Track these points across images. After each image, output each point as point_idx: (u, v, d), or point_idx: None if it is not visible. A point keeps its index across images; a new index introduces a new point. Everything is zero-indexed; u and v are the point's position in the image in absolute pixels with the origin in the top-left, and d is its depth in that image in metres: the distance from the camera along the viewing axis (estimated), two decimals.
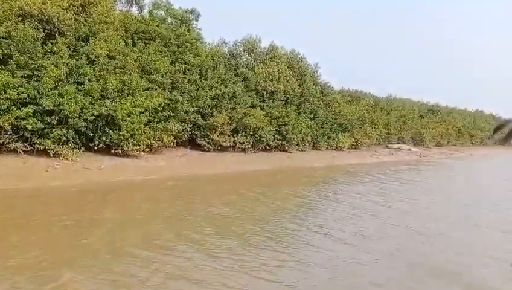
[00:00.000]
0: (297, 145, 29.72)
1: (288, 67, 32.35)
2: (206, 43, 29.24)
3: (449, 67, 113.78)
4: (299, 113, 30.17)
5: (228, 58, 28.55)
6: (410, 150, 40.57)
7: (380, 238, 10.85)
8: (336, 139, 33.61)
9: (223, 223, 11.32)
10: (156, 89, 20.92)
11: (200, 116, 23.87)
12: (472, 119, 63.71)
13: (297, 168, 24.24)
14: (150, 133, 20.10)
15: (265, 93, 27.26)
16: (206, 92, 24.19)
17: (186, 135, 23.49)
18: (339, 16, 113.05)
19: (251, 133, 25.33)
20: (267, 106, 27.00)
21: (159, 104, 20.45)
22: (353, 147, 35.88)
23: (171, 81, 22.23)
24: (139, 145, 19.46)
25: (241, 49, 29.86)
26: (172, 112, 21.64)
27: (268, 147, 26.89)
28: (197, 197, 14.68)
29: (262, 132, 25.56)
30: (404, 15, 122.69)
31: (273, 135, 26.90)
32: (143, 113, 19.81)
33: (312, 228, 11.41)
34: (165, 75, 21.91)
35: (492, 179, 25.42)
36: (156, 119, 20.78)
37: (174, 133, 21.53)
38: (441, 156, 40.23)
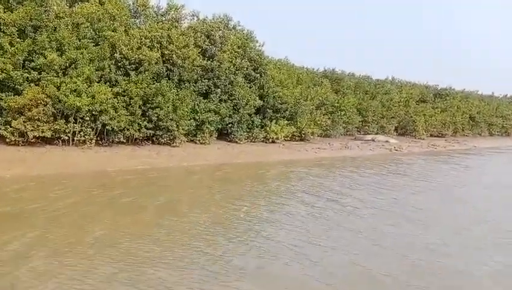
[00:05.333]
0: (194, 136, 20.39)
1: (205, 35, 23.10)
2: None
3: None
4: (200, 93, 20.74)
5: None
6: (387, 141, 29.57)
7: None
8: (267, 129, 23.73)
9: None
10: None
11: (8, 94, 15.39)
12: (495, 106, 49.98)
13: (132, 171, 14.92)
14: None
15: (127, 63, 18.07)
16: (17, 59, 15.60)
17: None
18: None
19: (88, 118, 16.40)
20: (128, 80, 17.81)
21: None
22: (298, 138, 25.75)
23: None
24: None
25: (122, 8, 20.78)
26: None
27: (123, 140, 17.75)
28: None
29: (107, 117, 16.51)
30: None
31: (138, 122, 17.77)
32: None
33: None
34: None
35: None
36: None
37: None
38: (425, 149, 28.80)
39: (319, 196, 12.17)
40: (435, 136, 38.01)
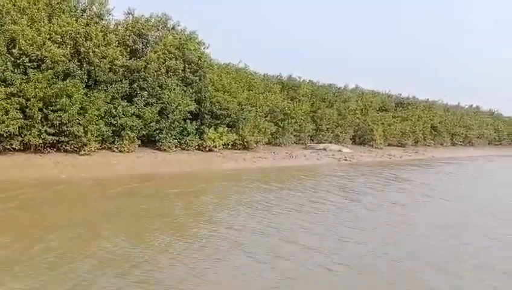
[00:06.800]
0: (112, 143, 18.08)
1: (136, 34, 21.08)
2: None
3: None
4: (124, 96, 18.48)
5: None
6: (340, 151, 27.82)
7: None
8: (204, 136, 21.61)
9: None
10: None
11: None
12: (459, 116, 49.20)
13: None
14: None
15: (27, 60, 15.72)
16: None
17: None
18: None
19: None
20: (26, 80, 15.43)
21: None
22: (240, 146, 23.70)
23: None
24: None
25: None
26: None
27: (15, 146, 15.25)
28: None
29: None
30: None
31: (38, 127, 15.38)
32: None
33: None
34: None
35: None
36: None
37: None
38: (378, 159, 27.14)
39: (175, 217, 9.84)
40: (394, 146, 36.60)
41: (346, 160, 24.52)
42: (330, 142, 30.08)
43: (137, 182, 14.11)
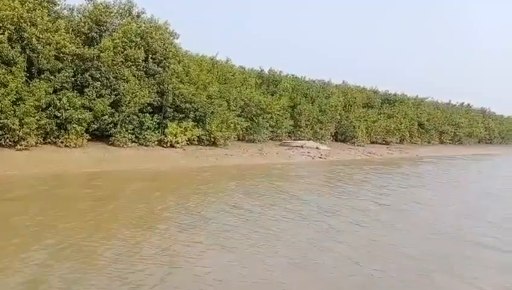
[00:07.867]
0: (57, 137, 16.49)
1: (93, 21, 19.52)
2: None
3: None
4: (75, 86, 16.90)
5: None
6: (317, 148, 26.30)
7: None
8: (166, 130, 20.06)
9: None
10: None
11: None
12: (448, 114, 47.70)
13: None
14: None
15: None
16: None
17: None
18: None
19: None
20: None
21: None
22: (208, 142, 22.15)
23: None
24: None
25: None
26: None
27: None
28: None
29: None
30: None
31: None
32: None
33: None
34: None
35: None
36: None
37: None
38: (356, 158, 25.61)
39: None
40: (379, 144, 35.11)
41: (320, 158, 23.01)
42: (309, 139, 28.57)
43: (57, 181, 12.52)
